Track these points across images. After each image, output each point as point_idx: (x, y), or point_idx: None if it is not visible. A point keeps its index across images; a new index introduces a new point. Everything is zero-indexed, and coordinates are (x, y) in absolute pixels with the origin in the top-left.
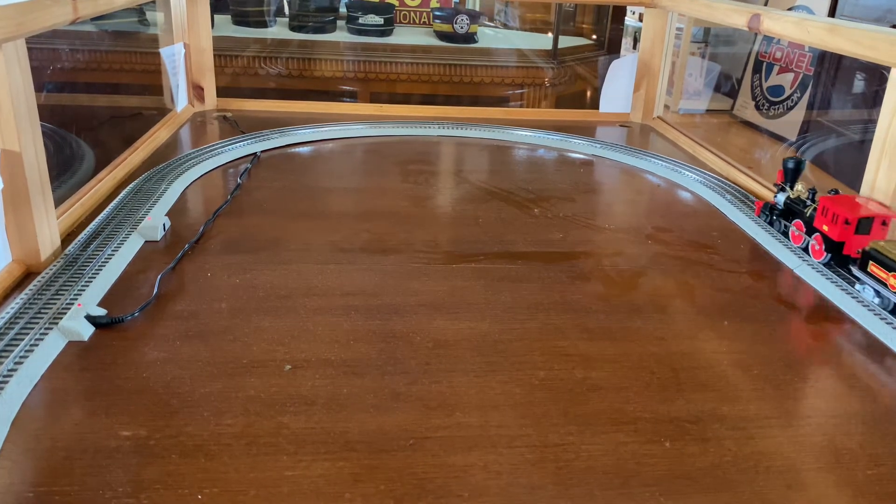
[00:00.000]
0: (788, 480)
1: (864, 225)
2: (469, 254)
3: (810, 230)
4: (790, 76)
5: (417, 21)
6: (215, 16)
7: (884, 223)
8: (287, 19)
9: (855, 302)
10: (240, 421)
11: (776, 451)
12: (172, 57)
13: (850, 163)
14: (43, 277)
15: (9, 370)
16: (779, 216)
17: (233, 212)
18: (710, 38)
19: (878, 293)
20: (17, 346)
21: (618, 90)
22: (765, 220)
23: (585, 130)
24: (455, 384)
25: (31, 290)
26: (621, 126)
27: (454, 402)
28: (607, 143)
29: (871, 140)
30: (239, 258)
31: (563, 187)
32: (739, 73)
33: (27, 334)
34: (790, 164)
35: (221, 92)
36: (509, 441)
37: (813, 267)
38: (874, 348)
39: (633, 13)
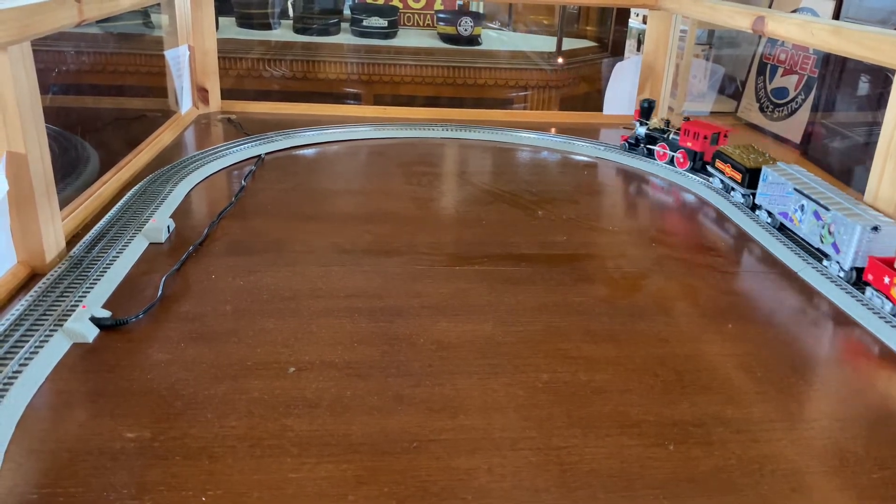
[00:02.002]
0: (793, 484)
1: (714, 138)
2: (472, 256)
3: (673, 148)
4: (794, 78)
5: (421, 23)
6: (220, 18)
7: (725, 136)
8: (291, 21)
9: (859, 305)
10: (244, 423)
11: (780, 454)
12: (177, 59)
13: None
14: (48, 279)
15: (13, 372)
16: (643, 144)
17: (237, 214)
18: (714, 41)
19: (721, 181)
20: (22, 347)
21: (622, 92)
22: (627, 149)
23: (589, 132)
24: (458, 386)
25: (35, 291)
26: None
27: (457, 405)
28: (611, 145)
29: (875, 142)
30: (243, 260)
31: (566, 189)
32: (743, 75)
33: (32, 336)
34: (645, 105)
35: (226, 94)
36: (513, 444)
37: (817, 269)
38: (878, 351)
39: (637, 15)
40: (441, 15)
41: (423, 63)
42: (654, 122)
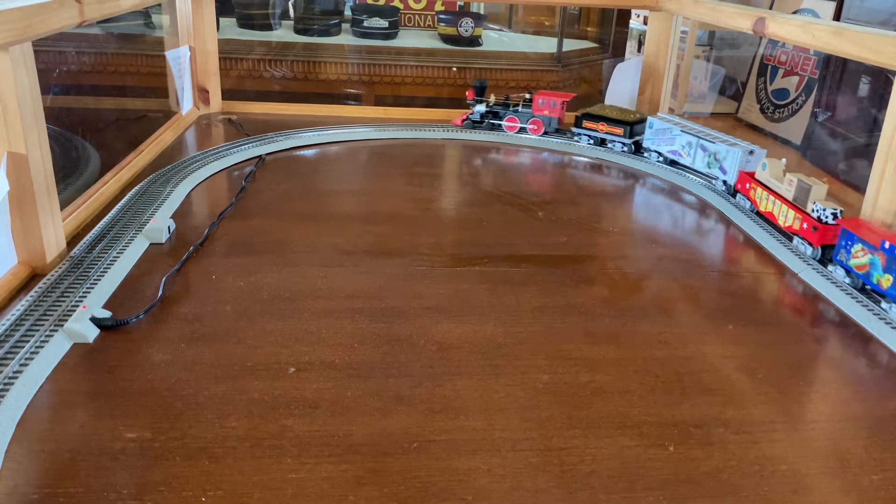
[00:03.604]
0: (793, 485)
1: (564, 105)
2: (473, 257)
3: (524, 120)
4: (795, 79)
5: (422, 24)
6: (220, 19)
7: (568, 102)
8: (292, 22)
9: (860, 306)
10: (244, 423)
11: (781, 455)
12: (178, 60)
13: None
14: (48, 279)
15: (14, 372)
16: (486, 120)
17: (238, 214)
18: (714, 41)
19: (591, 137)
20: (23, 347)
21: (622, 93)
22: (472, 126)
23: None
24: (459, 387)
25: (36, 291)
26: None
27: (458, 406)
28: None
29: (875, 143)
30: (243, 261)
31: (567, 190)
32: (744, 76)
33: (32, 336)
34: (478, 84)
35: (227, 95)
36: (513, 444)
37: (817, 270)
38: (879, 352)
39: (638, 16)
40: (442, 16)
41: (424, 64)
42: (492, 99)
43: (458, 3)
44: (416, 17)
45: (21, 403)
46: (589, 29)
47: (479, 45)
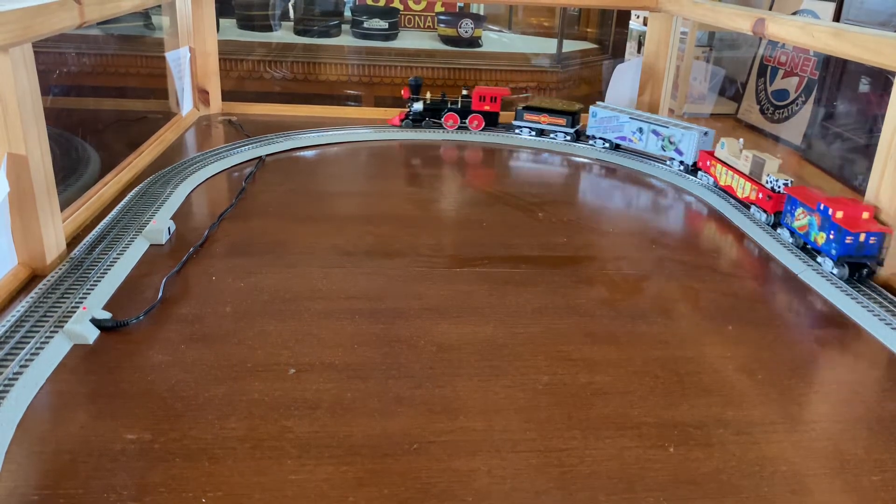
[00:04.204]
0: (793, 486)
1: (504, 102)
2: (473, 258)
3: (464, 115)
4: (795, 80)
5: (422, 25)
6: (220, 20)
7: (497, 97)
8: (292, 23)
9: (860, 307)
10: (244, 424)
11: (781, 456)
12: (178, 61)
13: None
14: (48, 280)
15: (14, 373)
16: (425, 118)
17: (238, 215)
18: (714, 42)
19: (533, 129)
20: (23, 349)
21: (622, 94)
22: (411, 125)
23: None
24: (459, 388)
25: (36, 293)
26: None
27: (458, 407)
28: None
29: (875, 144)
30: (244, 261)
31: (567, 191)
32: (744, 76)
33: (32, 337)
34: (413, 83)
35: (227, 96)
36: (513, 445)
37: (817, 272)
38: (879, 353)
39: (638, 17)
40: (442, 17)
41: (424, 65)
42: (429, 96)
43: (458, 4)
44: (416, 18)
45: (21, 405)
46: (589, 30)
47: (479, 46)
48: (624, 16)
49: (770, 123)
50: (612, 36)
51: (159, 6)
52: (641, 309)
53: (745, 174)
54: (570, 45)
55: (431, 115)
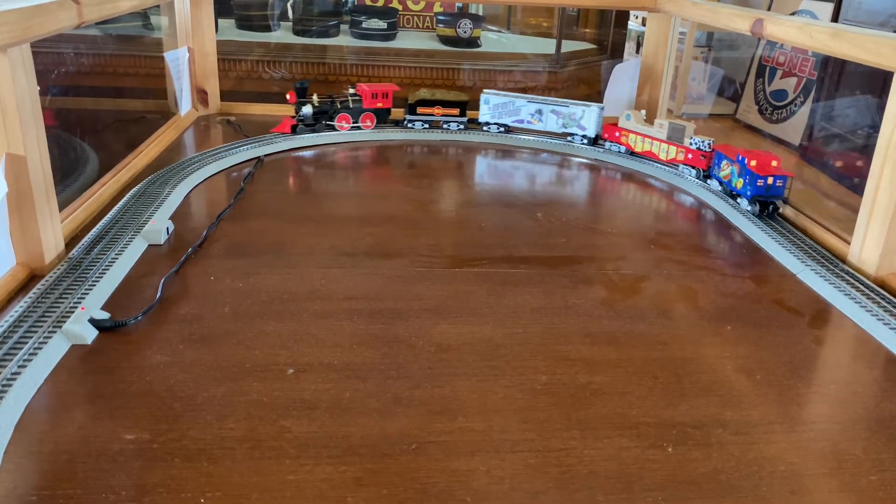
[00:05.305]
0: (791, 486)
1: (391, 96)
2: (472, 258)
3: (356, 115)
4: (793, 80)
5: (421, 25)
6: (219, 20)
7: (388, 93)
8: (291, 23)
9: (858, 307)
10: (242, 425)
11: (779, 456)
12: (176, 61)
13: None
14: (47, 281)
15: (12, 373)
16: (317, 121)
17: (236, 216)
18: (713, 43)
19: (428, 122)
20: (21, 349)
21: (621, 94)
22: (304, 130)
23: None
24: (458, 388)
25: (34, 293)
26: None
27: (457, 407)
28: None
29: (873, 144)
30: (242, 262)
31: (565, 192)
32: (743, 77)
33: (31, 338)
34: (299, 86)
35: (225, 96)
36: (512, 445)
37: (816, 273)
38: (878, 353)
39: (637, 17)
40: (440, 17)
41: (423, 65)
42: (315, 98)
43: (457, 4)
44: (415, 18)
45: (19, 405)
46: (587, 30)
47: (478, 46)
48: (623, 16)
49: (769, 124)
50: (610, 36)
51: (158, 6)
52: (640, 309)
53: (664, 140)
54: (569, 46)
55: (326, 118)
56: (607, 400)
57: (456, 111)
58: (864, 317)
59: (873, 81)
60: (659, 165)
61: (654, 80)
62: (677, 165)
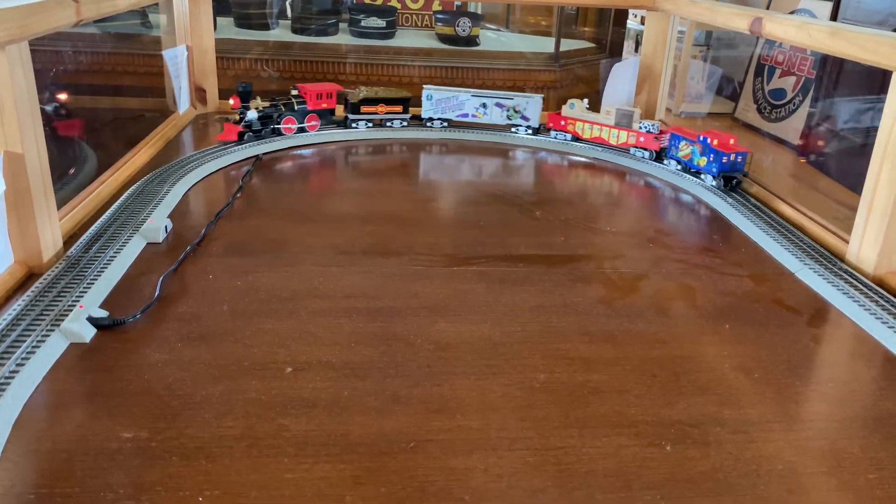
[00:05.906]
0: (790, 484)
1: (339, 96)
2: (470, 256)
3: (302, 118)
4: (792, 79)
5: (419, 24)
6: (218, 18)
7: (332, 94)
8: (289, 22)
9: (857, 306)
10: (241, 423)
11: (777, 454)
12: (175, 59)
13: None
14: (45, 279)
15: (10, 371)
16: (263, 126)
17: (235, 214)
18: (712, 42)
19: (372, 121)
20: (19, 347)
21: (619, 93)
22: (251, 138)
23: None
24: (456, 387)
25: (33, 291)
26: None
27: (455, 405)
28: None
29: (872, 143)
30: (241, 260)
31: (564, 190)
32: (741, 76)
33: (29, 336)
34: (241, 89)
35: (224, 94)
36: (510, 444)
37: (815, 271)
38: (876, 352)
39: (635, 16)
40: (439, 15)
41: (422, 64)
42: (259, 102)
43: (456, 2)
44: (414, 16)
45: (17, 403)
46: (586, 29)
47: (477, 44)
48: (621, 15)
49: (767, 123)
50: (609, 35)
51: (156, 4)
52: (638, 307)
53: (612, 125)
54: (568, 44)
55: (271, 122)
56: (606, 398)
57: (399, 108)
58: (862, 315)
59: (872, 80)
60: (661, 165)
61: (653, 78)
62: (628, 149)
